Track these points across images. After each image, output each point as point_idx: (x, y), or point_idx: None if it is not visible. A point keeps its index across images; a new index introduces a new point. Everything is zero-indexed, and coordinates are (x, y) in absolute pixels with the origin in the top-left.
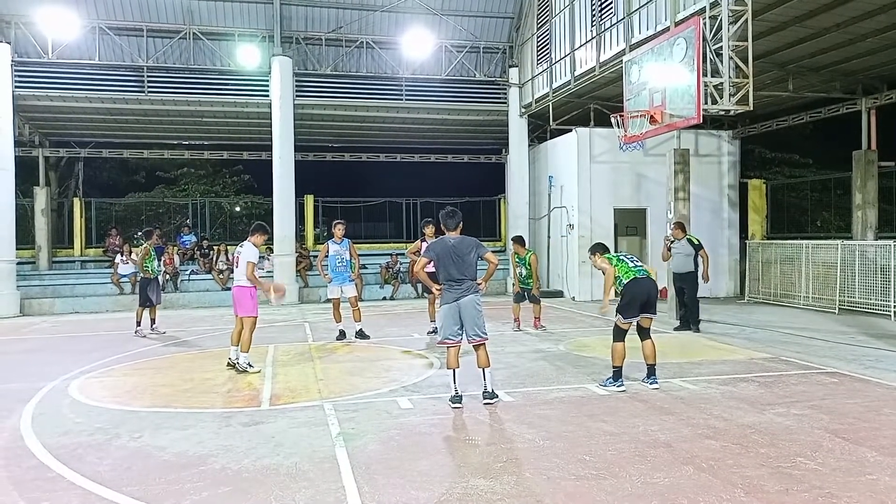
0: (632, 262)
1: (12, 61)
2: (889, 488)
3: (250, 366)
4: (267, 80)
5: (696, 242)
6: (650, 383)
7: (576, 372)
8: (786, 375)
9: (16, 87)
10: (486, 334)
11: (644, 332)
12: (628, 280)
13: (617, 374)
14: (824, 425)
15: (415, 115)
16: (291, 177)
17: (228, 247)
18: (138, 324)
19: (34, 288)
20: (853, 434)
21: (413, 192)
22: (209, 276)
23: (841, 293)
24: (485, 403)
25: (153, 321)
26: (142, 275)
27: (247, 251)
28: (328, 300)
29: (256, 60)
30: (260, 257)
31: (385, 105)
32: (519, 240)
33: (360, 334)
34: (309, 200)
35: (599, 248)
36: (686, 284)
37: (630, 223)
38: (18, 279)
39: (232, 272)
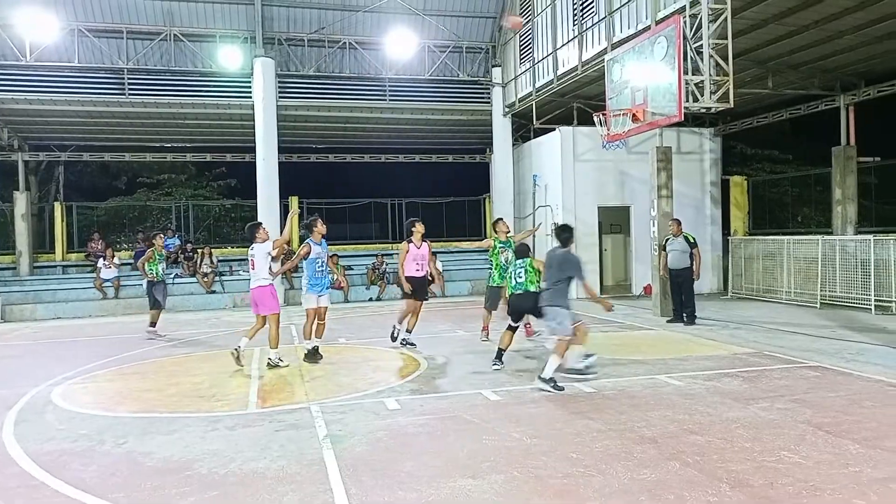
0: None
1: None
2: (872, 480)
3: (281, 360)
4: (249, 82)
5: (692, 240)
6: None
7: (561, 369)
8: (769, 370)
9: None
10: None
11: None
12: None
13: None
14: (807, 419)
15: (399, 116)
16: (275, 179)
17: (213, 250)
18: (152, 325)
19: (15, 294)
20: (836, 427)
21: (398, 193)
22: (193, 280)
23: (822, 288)
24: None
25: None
26: (146, 278)
27: (259, 247)
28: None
29: (238, 62)
30: (243, 259)
31: (369, 106)
32: (501, 221)
33: (314, 352)
34: (293, 202)
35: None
36: (683, 280)
37: (614, 221)
38: None
39: (217, 275)
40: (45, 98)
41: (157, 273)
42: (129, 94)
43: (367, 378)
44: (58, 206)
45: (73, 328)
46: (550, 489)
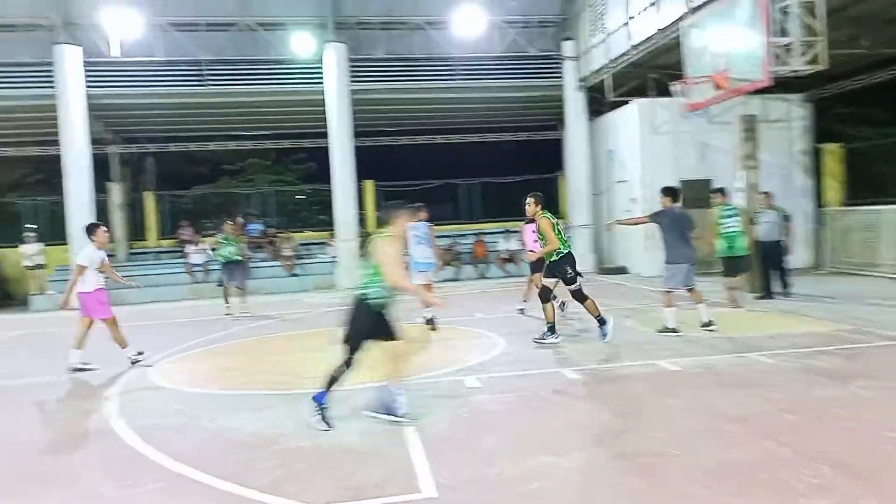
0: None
1: (84, 62)
2: None
3: (86, 364)
4: (322, 68)
5: (785, 214)
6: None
7: (645, 348)
8: (869, 348)
9: (87, 87)
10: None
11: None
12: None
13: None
14: None
15: (469, 95)
16: (351, 163)
17: (293, 234)
18: (226, 302)
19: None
20: None
21: (471, 173)
22: (276, 263)
23: None
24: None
25: (232, 303)
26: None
27: (81, 254)
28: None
29: (311, 48)
30: (322, 243)
31: (439, 86)
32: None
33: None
34: (368, 185)
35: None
36: (771, 253)
37: (697, 196)
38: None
39: (298, 258)
40: (132, 92)
41: (223, 256)
42: (209, 85)
43: (446, 357)
44: (149, 196)
45: (167, 311)
46: (632, 468)
